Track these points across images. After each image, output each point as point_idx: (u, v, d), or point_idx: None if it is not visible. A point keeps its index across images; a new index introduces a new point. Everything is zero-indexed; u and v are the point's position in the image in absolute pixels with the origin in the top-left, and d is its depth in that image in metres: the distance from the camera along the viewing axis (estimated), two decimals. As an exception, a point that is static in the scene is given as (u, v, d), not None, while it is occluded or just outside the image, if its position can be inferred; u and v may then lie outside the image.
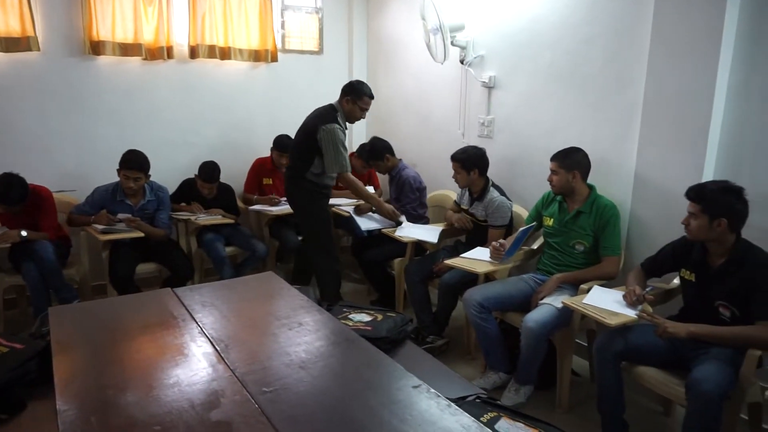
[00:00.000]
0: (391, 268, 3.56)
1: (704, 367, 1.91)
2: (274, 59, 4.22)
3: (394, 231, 3.34)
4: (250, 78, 4.27)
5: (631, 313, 2.12)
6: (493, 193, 3.05)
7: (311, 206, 3.28)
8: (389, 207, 3.46)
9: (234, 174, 4.12)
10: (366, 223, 3.69)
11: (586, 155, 2.67)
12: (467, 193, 3.24)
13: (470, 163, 3.06)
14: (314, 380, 1.44)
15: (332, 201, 4.00)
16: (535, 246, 2.98)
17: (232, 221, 3.72)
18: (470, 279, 2.89)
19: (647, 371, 2.16)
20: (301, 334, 1.70)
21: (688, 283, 2.21)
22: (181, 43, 3.91)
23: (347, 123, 3.32)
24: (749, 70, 2.28)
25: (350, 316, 2.36)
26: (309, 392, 1.39)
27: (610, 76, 2.79)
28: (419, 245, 3.36)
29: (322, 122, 3.14)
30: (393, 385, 1.45)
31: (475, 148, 3.14)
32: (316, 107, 3.38)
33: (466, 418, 1.29)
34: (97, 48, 3.57)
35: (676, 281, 2.37)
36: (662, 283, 2.46)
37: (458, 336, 3.19)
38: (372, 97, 3.29)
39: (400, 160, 3.82)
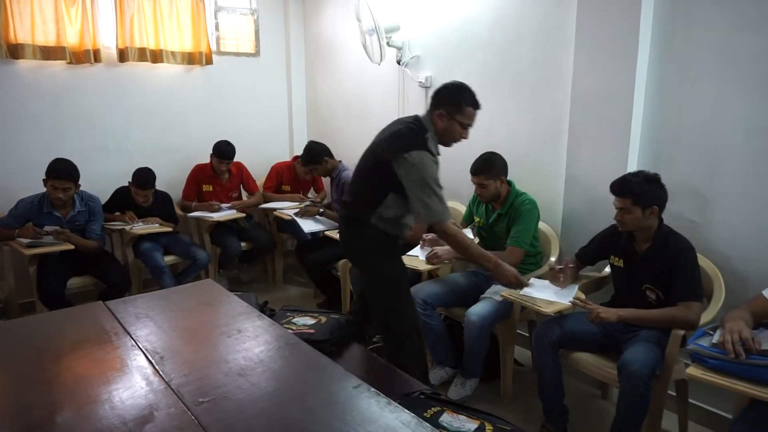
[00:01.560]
0: (336, 270, 3.56)
1: (633, 349, 2.02)
2: (209, 62, 4.13)
3: (336, 232, 3.33)
4: (184, 81, 4.16)
5: (566, 302, 2.20)
6: None
7: (379, 262, 2.28)
8: (510, 270, 2.27)
9: (172, 181, 4.01)
10: (309, 226, 3.67)
11: (500, 155, 2.72)
12: None
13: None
14: (253, 387, 1.42)
15: (272, 205, 3.99)
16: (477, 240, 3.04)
17: (170, 229, 3.62)
18: (415, 277, 2.92)
19: (583, 357, 2.26)
20: (240, 341, 1.67)
21: (618, 269, 2.32)
22: (108, 45, 3.76)
23: (439, 147, 2.25)
24: (664, 70, 2.42)
25: (294, 320, 2.35)
26: (248, 399, 1.37)
27: (539, 75, 2.89)
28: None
29: (405, 148, 2.09)
30: (333, 386, 1.45)
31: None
32: (398, 118, 2.35)
33: (406, 415, 1.30)
34: (15, 51, 3.39)
35: (608, 269, 2.49)
36: (594, 272, 2.57)
37: (405, 334, 3.21)
38: (478, 106, 2.22)
39: (340, 161, 3.82)
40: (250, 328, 1.76)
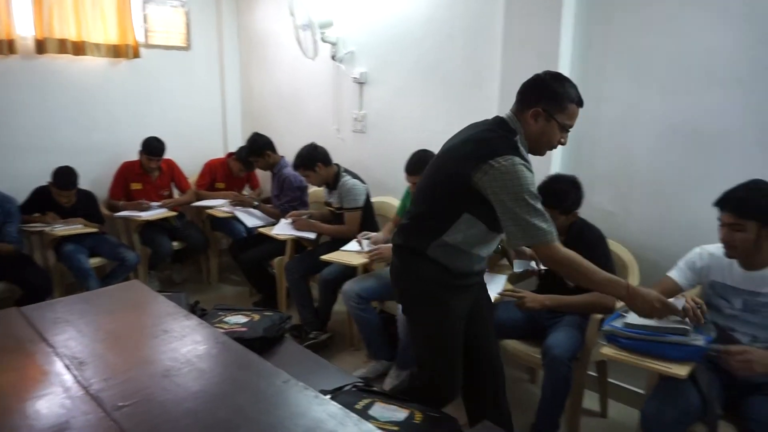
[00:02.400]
0: (272, 267, 3.52)
1: (555, 334, 2.12)
2: (137, 55, 3.97)
3: (272, 229, 3.30)
4: (110, 75, 3.98)
5: (494, 294, 2.27)
6: (345, 178, 3.12)
7: (428, 314, 1.83)
8: (650, 298, 1.66)
9: (98, 179, 3.83)
10: (251, 221, 3.61)
11: (432, 153, 2.71)
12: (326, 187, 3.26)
13: (309, 161, 3.08)
14: (179, 387, 1.39)
15: (206, 203, 3.89)
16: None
17: (95, 230, 3.45)
18: (350, 272, 2.94)
19: (511, 343, 2.34)
20: (166, 342, 1.63)
21: None
22: (25, 36, 3.54)
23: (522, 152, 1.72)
24: (583, 70, 2.53)
25: (225, 319, 2.30)
26: (173, 400, 1.34)
27: (469, 72, 2.96)
28: (298, 242, 3.34)
29: (489, 153, 1.64)
30: (262, 383, 1.44)
31: (306, 147, 3.14)
32: (472, 123, 1.93)
33: (333, 407, 1.31)
34: None
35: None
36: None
37: (341, 329, 3.23)
38: (582, 103, 1.78)
39: (283, 157, 3.77)
40: (177, 329, 1.71)
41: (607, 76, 2.48)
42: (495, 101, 2.79)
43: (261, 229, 3.38)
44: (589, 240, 2.21)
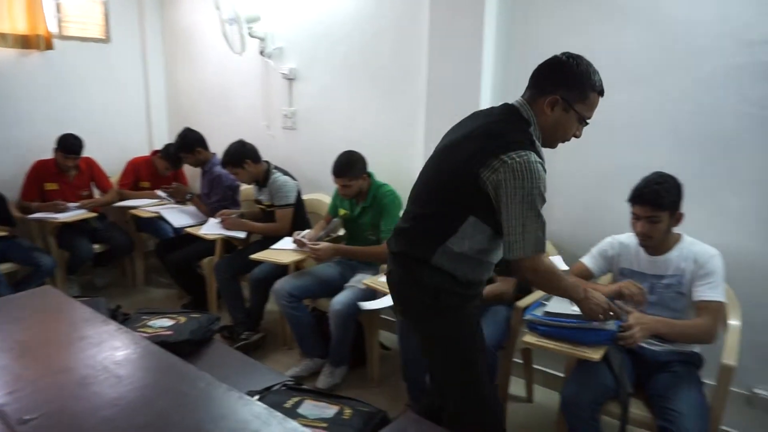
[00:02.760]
0: (201, 268, 3.42)
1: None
2: (50, 46, 3.73)
3: (200, 229, 3.20)
4: (20, 68, 3.72)
5: None
6: (275, 175, 3.08)
7: (442, 326, 1.64)
8: (599, 302, 1.66)
9: (9, 180, 3.58)
10: (178, 220, 3.48)
11: (359, 153, 2.75)
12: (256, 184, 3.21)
13: (237, 158, 3.02)
14: (94, 396, 1.33)
15: (130, 203, 3.72)
16: (341, 232, 3.09)
17: (4, 234, 3.23)
18: (281, 271, 2.90)
19: None
20: (82, 349, 1.56)
21: None
22: None
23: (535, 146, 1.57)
24: (506, 66, 2.63)
25: (149, 323, 2.22)
26: (88, 409, 1.28)
27: (397, 68, 3.00)
28: (229, 242, 3.27)
29: (502, 147, 1.47)
30: (184, 387, 1.40)
31: (234, 144, 3.07)
32: (478, 111, 1.78)
33: (258, 407, 1.30)
34: None
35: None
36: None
37: (275, 328, 3.18)
38: (603, 92, 1.60)
39: (214, 154, 3.65)
40: (94, 335, 1.64)
41: (527, 75, 2.54)
42: (422, 97, 2.84)
43: (189, 229, 3.27)
44: None
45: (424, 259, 1.58)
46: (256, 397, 1.71)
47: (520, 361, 2.56)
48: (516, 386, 2.60)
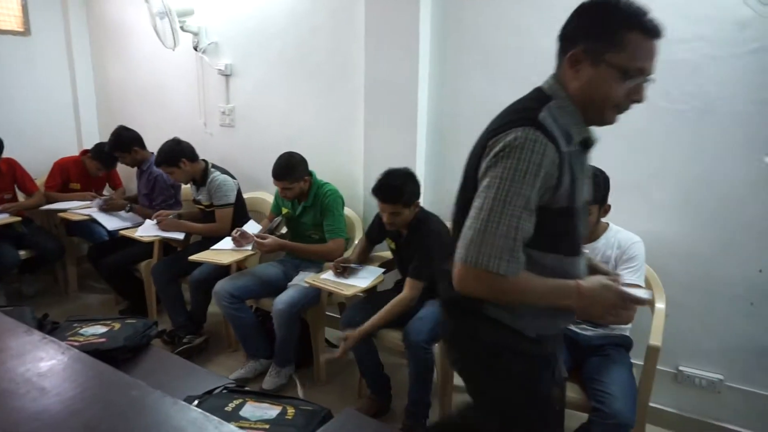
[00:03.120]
0: (138, 271, 3.29)
1: (414, 320, 2.20)
2: (-40, 40, 3.49)
3: (136, 231, 3.08)
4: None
5: (364, 284, 2.32)
6: (214, 174, 3.00)
7: (503, 389, 1.28)
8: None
9: None
10: (113, 223, 3.33)
11: (299, 155, 2.70)
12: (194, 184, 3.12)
13: (172, 158, 2.92)
14: (14, 411, 1.26)
15: (58, 206, 3.54)
16: (284, 231, 3.04)
17: None
18: (223, 272, 2.84)
19: (387, 333, 2.35)
20: (2, 361, 1.46)
21: (393, 251, 2.51)
22: None
23: (576, 128, 1.20)
24: (441, 63, 2.66)
25: (81, 332, 2.12)
26: (7, 426, 1.21)
27: (334, 64, 2.98)
28: (168, 243, 3.16)
29: (492, 132, 1.18)
30: (115, 395, 1.35)
31: (168, 142, 2.97)
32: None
33: (194, 413, 1.27)
34: None
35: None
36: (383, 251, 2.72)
37: (219, 330, 3.11)
38: (656, 33, 1.13)
39: (153, 153, 3.51)
40: (15, 347, 1.55)
41: (463, 71, 2.62)
42: (360, 93, 2.84)
43: (124, 232, 3.13)
44: (425, 232, 2.27)
45: (471, 309, 1.21)
46: (196, 402, 1.67)
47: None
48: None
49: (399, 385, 2.49)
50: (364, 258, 2.60)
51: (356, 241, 2.88)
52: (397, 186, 2.22)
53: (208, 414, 1.26)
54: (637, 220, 2.24)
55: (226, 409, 1.67)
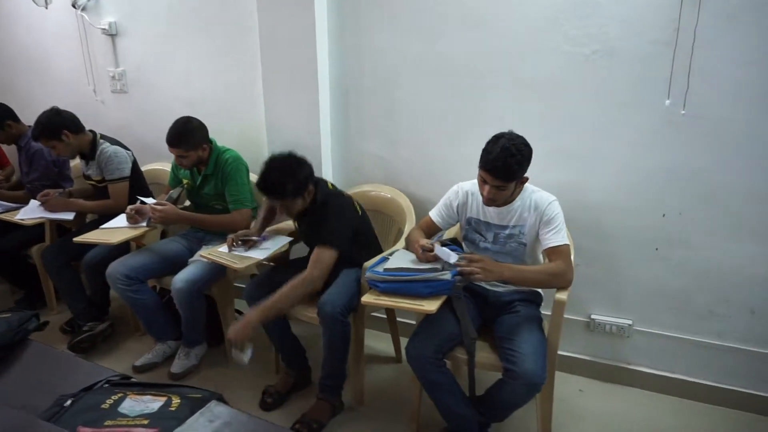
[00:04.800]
0: (31, 257, 3.00)
1: (330, 289, 2.09)
2: None
3: (17, 214, 2.79)
4: None
5: (259, 256, 2.18)
6: (103, 145, 2.73)
7: None
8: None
9: None
10: None
11: (197, 120, 2.46)
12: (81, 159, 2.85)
13: (51, 130, 2.61)
14: None
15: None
16: (187, 203, 2.82)
17: None
18: (120, 251, 2.60)
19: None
20: None
21: (299, 230, 2.35)
22: None
23: None
24: (340, 20, 2.47)
25: (-61, 332, 1.89)
26: None
27: (229, 21, 2.74)
28: (61, 225, 2.89)
29: None
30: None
31: (45, 113, 2.64)
32: None
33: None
34: None
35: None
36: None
37: (125, 314, 2.91)
38: None
39: (30, 126, 3.16)
40: None
41: (365, 25, 2.44)
42: (258, 51, 2.62)
43: (3, 216, 2.82)
44: (319, 203, 2.13)
45: None
46: (69, 401, 1.51)
47: (385, 316, 2.54)
48: (387, 344, 2.60)
49: (318, 356, 2.40)
50: (268, 226, 2.45)
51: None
52: (276, 183, 2.02)
53: (36, 419, 1.10)
54: (548, 173, 2.19)
55: (102, 406, 1.51)
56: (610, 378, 2.38)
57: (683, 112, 1.97)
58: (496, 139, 1.78)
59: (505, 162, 1.73)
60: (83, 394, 1.59)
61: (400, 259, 1.84)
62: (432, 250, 1.81)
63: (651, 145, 2.07)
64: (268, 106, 2.67)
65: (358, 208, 2.25)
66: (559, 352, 2.26)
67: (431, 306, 1.65)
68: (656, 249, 2.18)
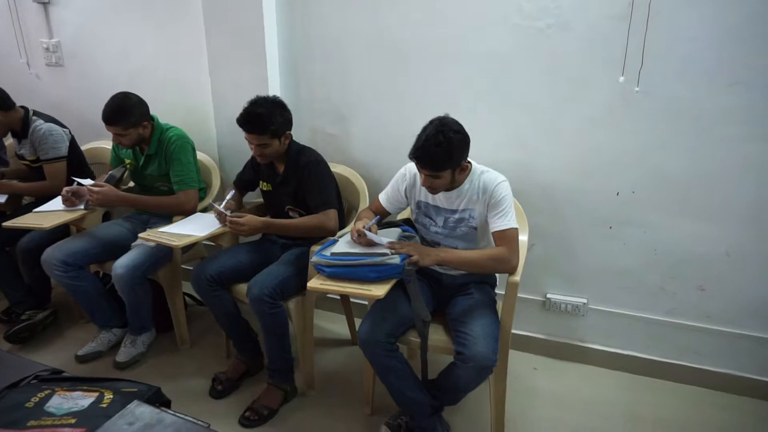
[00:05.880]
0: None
1: (261, 273, 2.03)
2: None
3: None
4: None
5: (200, 233, 2.08)
6: (36, 123, 2.57)
7: None
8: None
9: None
10: None
11: (136, 96, 2.33)
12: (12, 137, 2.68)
13: None
14: None
15: None
16: (131, 184, 2.68)
17: None
18: (60, 235, 2.46)
19: (242, 287, 2.13)
20: None
21: (267, 194, 2.29)
22: None
23: None
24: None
25: None
26: None
27: (169, -14, 2.58)
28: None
29: None
30: None
31: None
32: None
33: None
34: None
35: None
36: (257, 198, 2.50)
37: (68, 300, 2.76)
38: None
39: None
40: None
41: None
42: (201, 25, 2.47)
43: None
44: (302, 166, 2.10)
45: None
46: (-5, 398, 1.41)
47: (337, 297, 2.49)
48: (339, 324, 2.55)
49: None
50: (238, 206, 2.35)
51: (215, 190, 2.62)
52: (262, 114, 1.99)
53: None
54: (501, 152, 2.15)
55: (27, 405, 1.42)
56: (564, 356, 2.40)
57: (637, 89, 1.95)
58: (427, 125, 1.72)
59: (429, 152, 1.67)
60: (7, 392, 1.49)
61: (348, 242, 1.77)
62: (365, 235, 1.74)
63: (605, 123, 2.05)
64: (215, 80, 2.55)
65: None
66: (514, 331, 2.35)
67: (379, 291, 1.60)
68: (610, 228, 2.17)
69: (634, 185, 2.09)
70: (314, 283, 1.67)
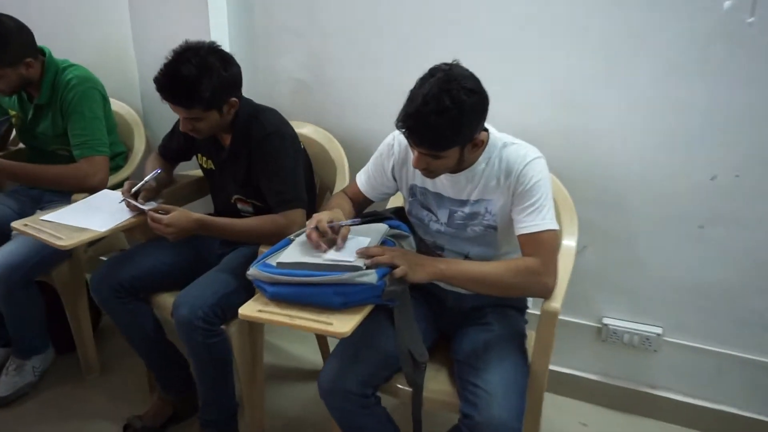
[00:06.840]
0: None
1: (194, 282, 1.95)
2: None
3: None
4: None
5: (103, 226, 1.90)
6: None
7: None
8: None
9: None
10: None
11: (11, 21, 2.18)
12: None
13: None
14: None
15: None
16: (21, 146, 2.59)
17: None
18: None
19: (166, 298, 2.04)
20: None
21: (209, 173, 2.18)
22: None
23: None
24: None
25: None
26: None
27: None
28: None
29: None
30: None
31: None
32: None
33: None
34: None
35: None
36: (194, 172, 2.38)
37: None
38: None
39: None
40: None
41: None
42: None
43: None
44: (255, 139, 1.96)
45: None
46: None
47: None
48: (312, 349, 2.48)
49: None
50: (164, 189, 2.22)
51: (137, 156, 2.50)
52: (190, 78, 1.79)
53: None
54: (537, 112, 2.06)
55: None
56: (626, 407, 2.32)
57: (751, 19, 1.76)
58: (426, 77, 1.47)
59: (428, 122, 1.42)
60: None
61: (303, 245, 1.56)
62: (329, 233, 1.56)
63: (698, 70, 1.87)
64: (135, 16, 2.50)
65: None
66: (556, 368, 2.31)
67: (343, 326, 1.38)
68: (700, 227, 2.01)
69: (738, 166, 1.92)
70: (249, 309, 1.47)
